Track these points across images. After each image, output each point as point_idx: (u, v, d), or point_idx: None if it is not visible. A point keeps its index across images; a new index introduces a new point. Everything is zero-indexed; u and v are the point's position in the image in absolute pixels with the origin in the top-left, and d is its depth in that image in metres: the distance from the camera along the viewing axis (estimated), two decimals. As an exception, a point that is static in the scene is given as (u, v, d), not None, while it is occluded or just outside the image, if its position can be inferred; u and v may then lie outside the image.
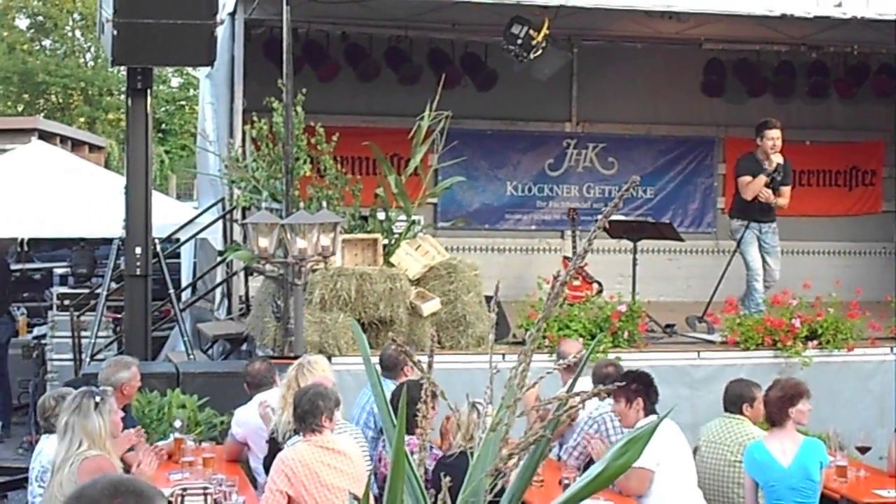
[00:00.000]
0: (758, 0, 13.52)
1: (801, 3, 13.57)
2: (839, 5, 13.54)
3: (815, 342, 12.53)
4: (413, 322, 11.78)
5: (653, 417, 8.57)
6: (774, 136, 13.38)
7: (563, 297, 9.94)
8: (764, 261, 13.65)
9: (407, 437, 7.83)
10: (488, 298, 12.40)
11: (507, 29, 13.77)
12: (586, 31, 17.01)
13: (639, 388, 8.71)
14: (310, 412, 7.82)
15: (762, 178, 13.32)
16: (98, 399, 7.26)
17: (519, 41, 13.73)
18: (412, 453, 7.86)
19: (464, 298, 12.03)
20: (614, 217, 15.29)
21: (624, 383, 8.66)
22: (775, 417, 8.50)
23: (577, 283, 15.66)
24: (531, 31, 13.66)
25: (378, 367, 10.09)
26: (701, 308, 13.81)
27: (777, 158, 13.34)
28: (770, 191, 13.39)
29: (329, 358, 11.08)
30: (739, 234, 13.56)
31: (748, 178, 13.41)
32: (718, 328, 13.02)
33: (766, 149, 13.38)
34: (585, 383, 9.36)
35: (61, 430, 7.16)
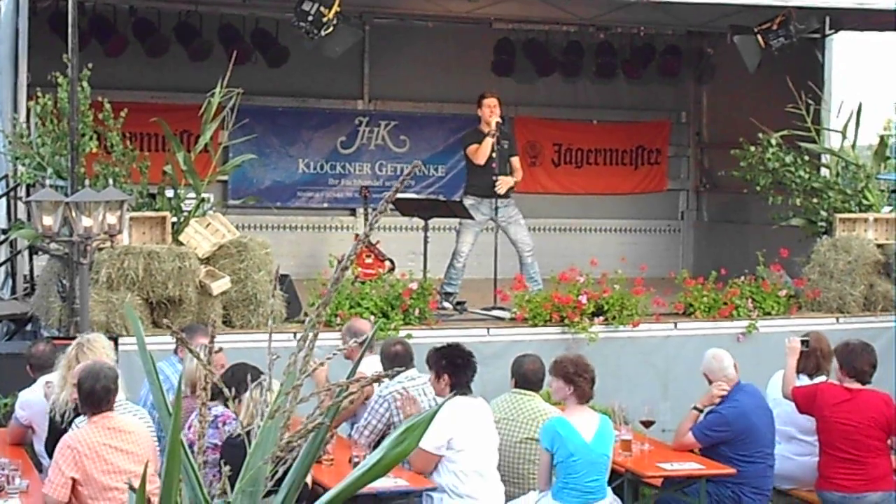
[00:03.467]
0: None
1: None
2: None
3: (602, 318, 12.77)
4: (203, 301, 11.67)
5: (456, 398, 8.64)
6: (491, 103, 13.87)
7: (355, 275, 9.98)
8: (509, 235, 14.05)
9: (221, 409, 7.65)
10: (280, 277, 12.35)
11: (297, 6, 13.68)
12: (377, 8, 17.03)
13: (445, 363, 8.77)
14: (104, 397, 7.70)
15: (488, 140, 13.73)
16: None
17: (310, 18, 13.66)
18: (224, 424, 7.70)
19: (254, 277, 11.95)
20: (406, 195, 15.43)
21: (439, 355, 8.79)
22: (587, 393, 8.65)
23: (369, 260, 15.70)
24: (322, 8, 13.60)
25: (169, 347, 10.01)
26: (490, 285, 13.96)
27: (495, 119, 13.79)
28: (507, 179, 13.84)
29: (116, 338, 10.93)
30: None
31: (475, 146, 13.79)
32: (507, 305, 13.20)
33: (485, 117, 13.83)
34: (373, 362, 9.41)
35: None
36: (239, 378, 7.50)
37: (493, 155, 13.68)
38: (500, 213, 13.88)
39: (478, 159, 13.79)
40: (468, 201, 13.96)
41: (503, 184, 13.75)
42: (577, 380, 8.63)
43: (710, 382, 9.51)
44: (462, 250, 13.94)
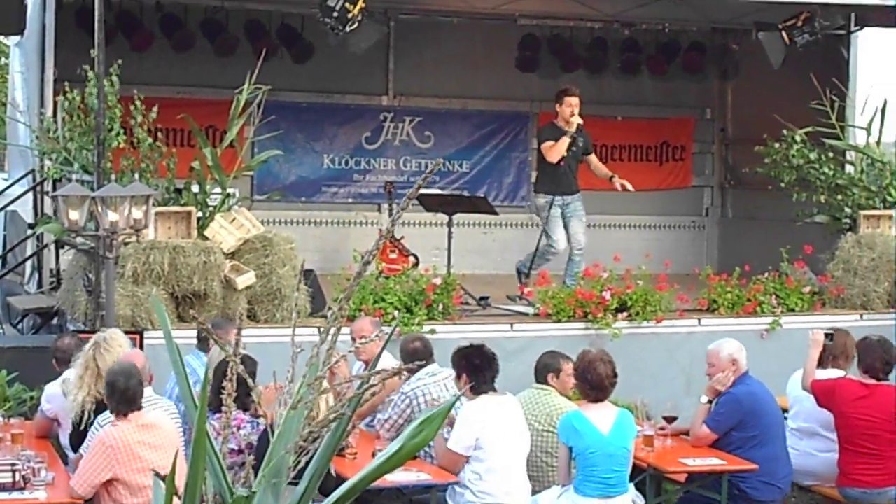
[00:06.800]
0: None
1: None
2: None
3: (625, 314, 12.78)
4: (227, 296, 11.73)
5: (482, 397, 8.73)
6: (574, 102, 13.83)
7: (379, 270, 10.03)
8: (567, 226, 13.94)
9: (235, 413, 7.85)
10: (305, 272, 12.41)
11: (323, 2, 13.71)
12: (403, 4, 17.06)
13: (464, 364, 8.86)
14: (139, 394, 7.80)
15: (565, 140, 13.67)
16: None
17: (335, 14, 13.68)
18: (239, 429, 7.78)
19: (279, 272, 11.99)
20: (430, 191, 15.47)
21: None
22: (605, 390, 8.70)
23: (393, 256, 15.75)
24: (347, 4, 13.62)
25: (194, 341, 10.11)
26: (514, 281, 13.99)
27: (577, 120, 13.67)
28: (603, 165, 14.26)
29: (142, 332, 11.00)
30: (545, 212, 13.80)
31: (551, 143, 13.72)
32: (530, 301, 13.22)
33: (565, 115, 13.77)
34: (388, 359, 9.48)
35: None
36: (250, 370, 7.61)
37: (566, 154, 13.70)
38: (570, 206, 13.89)
39: (550, 157, 13.77)
40: (540, 200, 13.93)
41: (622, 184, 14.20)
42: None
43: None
44: (558, 240, 13.88)
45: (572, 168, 13.94)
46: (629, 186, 14.25)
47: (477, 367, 8.84)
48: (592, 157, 14.36)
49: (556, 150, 13.71)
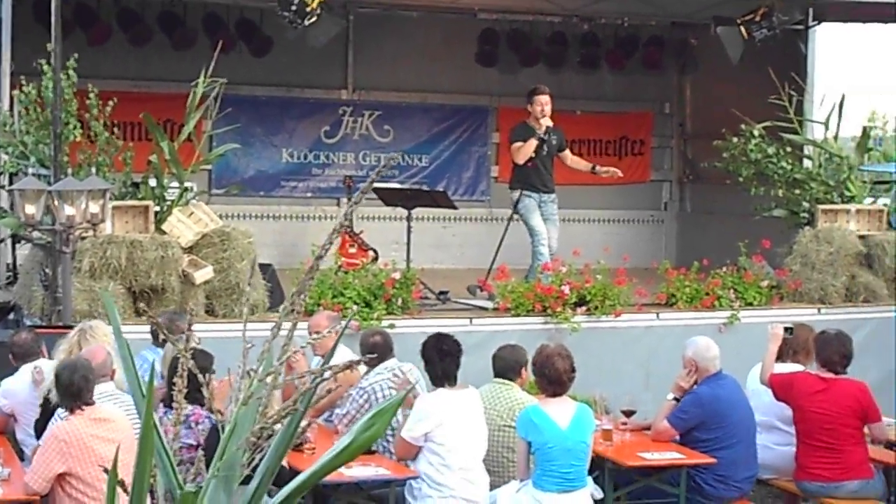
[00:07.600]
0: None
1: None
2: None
3: (584, 308, 12.79)
4: (185, 290, 11.67)
5: (439, 390, 8.72)
6: (543, 101, 13.74)
7: (338, 264, 9.96)
8: None
9: (191, 408, 7.77)
10: (263, 266, 12.38)
11: (281, -5, 13.67)
12: (361, -2, 17.04)
13: (424, 355, 8.86)
14: (84, 389, 7.75)
15: (533, 142, 13.62)
16: None
17: (293, 7, 13.64)
18: (197, 423, 7.72)
19: (237, 266, 11.95)
20: (389, 185, 15.46)
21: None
22: (563, 384, 8.69)
23: (352, 250, 15.71)
24: (306, -2, 13.59)
25: (150, 337, 10.04)
26: (473, 275, 13.98)
27: (546, 122, 13.63)
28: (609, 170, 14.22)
29: (98, 327, 10.93)
30: (519, 205, 13.77)
31: (519, 144, 13.69)
32: (491, 295, 13.21)
33: (535, 114, 13.70)
34: (345, 353, 9.45)
35: None
36: (204, 365, 7.56)
37: (533, 154, 13.66)
38: (546, 207, 13.84)
39: (518, 158, 13.74)
40: (515, 195, 13.87)
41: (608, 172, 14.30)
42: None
43: (697, 369, 9.52)
44: (540, 231, 13.75)
45: (546, 167, 13.90)
46: (618, 172, 14.30)
47: (433, 359, 8.83)
48: (567, 154, 14.34)
49: (522, 153, 13.69)
